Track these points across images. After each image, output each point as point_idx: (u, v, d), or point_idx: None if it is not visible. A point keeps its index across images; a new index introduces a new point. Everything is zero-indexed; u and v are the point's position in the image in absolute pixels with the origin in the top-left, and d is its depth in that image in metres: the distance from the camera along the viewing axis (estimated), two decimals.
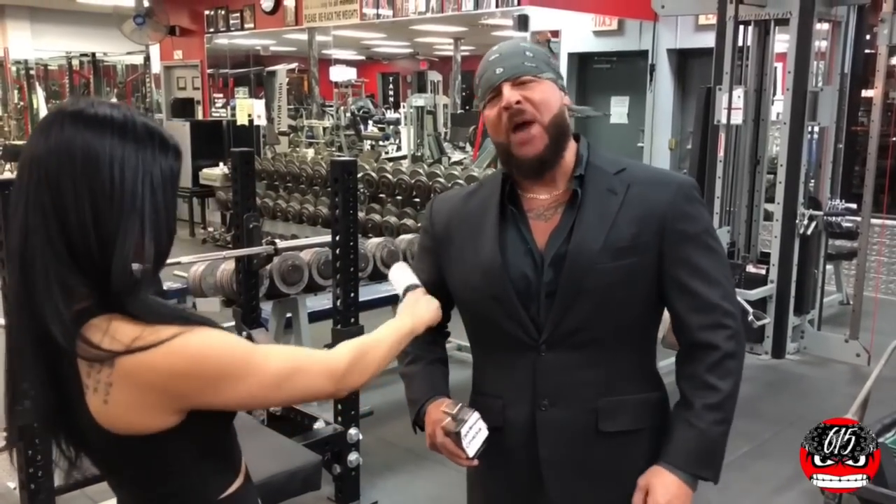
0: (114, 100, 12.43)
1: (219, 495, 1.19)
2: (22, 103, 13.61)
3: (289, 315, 3.99)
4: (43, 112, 12.89)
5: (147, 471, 1.15)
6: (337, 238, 2.91)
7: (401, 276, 1.50)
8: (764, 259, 5.10)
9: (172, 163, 1.12)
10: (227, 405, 1.14)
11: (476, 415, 1.36)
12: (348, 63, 11.77)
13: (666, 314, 1.47)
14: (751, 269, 5.07)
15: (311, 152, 9.49)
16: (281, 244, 3.32)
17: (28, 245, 1.04)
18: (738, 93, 4.84)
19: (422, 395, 1.48)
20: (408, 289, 1.46)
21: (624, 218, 1.37)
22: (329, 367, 1.20)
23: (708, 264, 1.39)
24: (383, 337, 1.32)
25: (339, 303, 2.95)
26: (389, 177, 6.97)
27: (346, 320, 2.95)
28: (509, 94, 1.36)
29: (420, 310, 1.42)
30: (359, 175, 6.27)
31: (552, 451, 1.41)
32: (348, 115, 9.89)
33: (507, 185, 1.45)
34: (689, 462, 1.38)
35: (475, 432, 1.34)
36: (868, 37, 5.52)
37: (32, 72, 13.85)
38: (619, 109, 8.14)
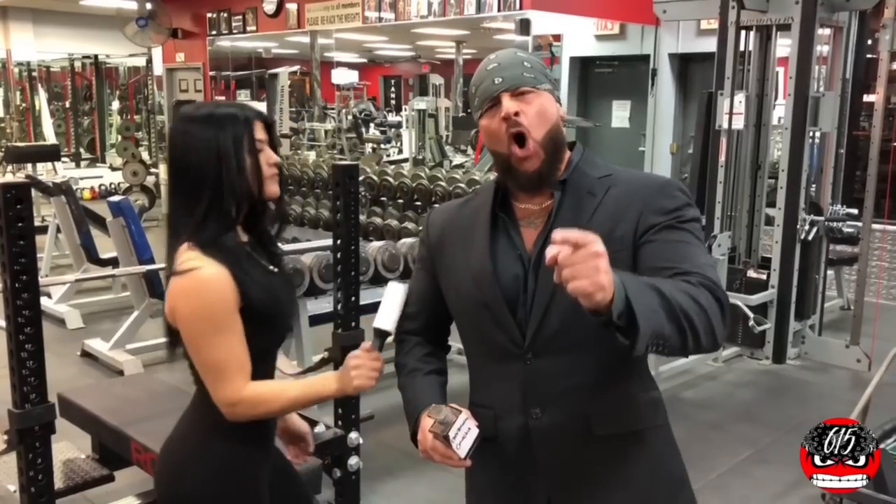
0: (114, 103, 12.27)
1: None
2: (24, 105, 13.63)
3: None
4: (45, 114, 12.93)
5: (188, 358, 1.59)
6: (338, 242, 2.91)
7: (389, 304, 1.51)
8: (765, 264, 5.10)
9: (242, 131, 1.56)
10: (186, 346, 1.56)
11: (463, 416, 1.35)
12: (350, 66, 11.78)
13: None
14: (751, 274, 5.07)
15: (312, 155, 9.49)
16: (282, 248, 3.32)
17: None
18: (740, 98, 4.84)
19: (416, 408, 1.46)
20: (377, 332, 1.50)
21: (599, 217, 1.36)
22: (229, 395, 1.53)
23: (681, 242, 1.31)
24: (297, 394, 1.58)
25: (339, 306, 2.94)
26: (391, 180, 6.98)
27: (347, 324, 2.95)
28: (508, 104, 1.35)
29: (349, 385, 1.55)
30: (360, 178, 6.28)
31: (548, 458, 1.40)
32: (350, 118, 9.90)
33: (499, 194, 1.45)
34: (633, 283, 1.13)
35: (464, 433, 1.33)
36: (870, 42, 5.53)
37: (35, 73, 13.88)
38: (620, 114, 8.14)
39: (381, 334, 1.50)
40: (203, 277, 1.49)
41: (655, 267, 1.29)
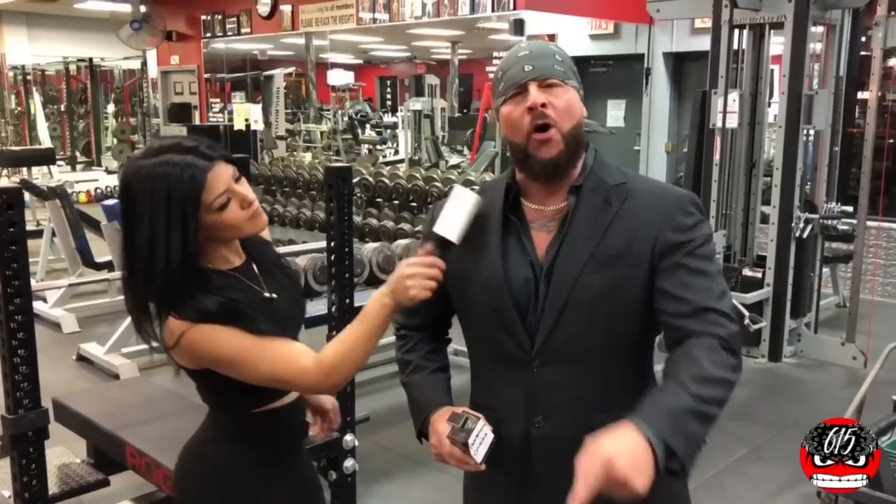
0: (110, 106, 12.20)
1: (252, 409, 1.55)
2: (19, 109, 13.62)
3: None
4: (40, 117, 12.90)
5: (199, 382, 1.55)
6: (332, 244, 2.90)
7: (454, 212, 1.35)
8: (760, 262, 5.11)
9: (186, 184, 1.40)
10: (241, 379, 1.46)
11: (481, 421, 1.35)
12: (346, 67, 11.79)
13: None
14: (747, 272, 5.07)
15: (308, 156, 9.50)
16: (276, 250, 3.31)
17: None
18: (734, 96, 4.84)
19: (424, 407, 1.45)
20: (438, 240, 1.36)
21: (615, 229, 1.34)
22: (311, 381, 1.46)
23: (699, 272, 1.33)
24: (362, 334, 1.44)
25: (334, 309, 2.94)
26: (386, 181, 6.97)
27: (342, 326, 2.93)
28: (536, 94, 1.32)
29: (405, 296, 1.37)
30: (356, 179, 6.27)
31: (547, 467, 1.39)
32: (346, 119, 9.91)
33: (511, 195, 1.42)
34: (666, 424, 1.16)
35: (481, 438, 1.33)
36: (863, 39, 5.53)
37: (29, 77, 13.87)
38: (615, 113, 8.15)
39: (443, 243, 1.36)
40: (201, 331, 1.40)
41: (676, 297, 1.31)
